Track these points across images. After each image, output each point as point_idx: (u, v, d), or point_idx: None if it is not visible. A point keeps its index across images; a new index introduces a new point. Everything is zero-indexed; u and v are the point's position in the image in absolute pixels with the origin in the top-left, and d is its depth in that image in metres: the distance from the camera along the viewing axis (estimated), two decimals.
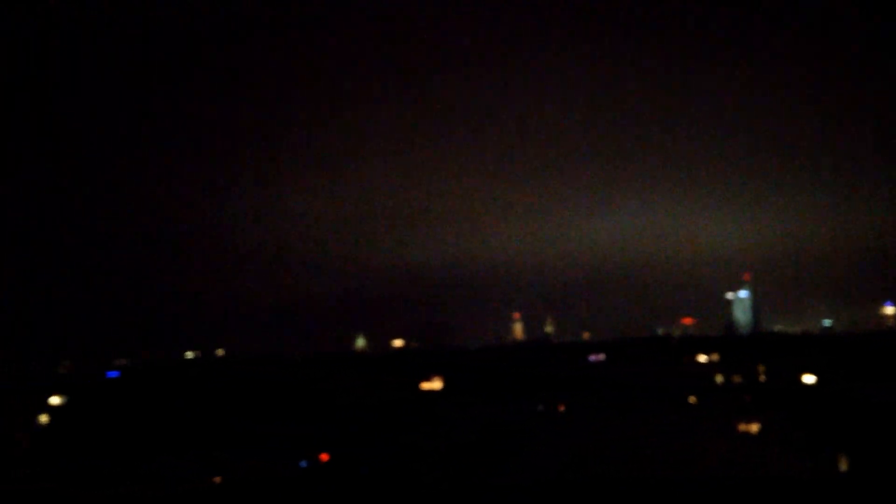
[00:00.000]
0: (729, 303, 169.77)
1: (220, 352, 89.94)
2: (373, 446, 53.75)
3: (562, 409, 64.77)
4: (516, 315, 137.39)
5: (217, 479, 48.32)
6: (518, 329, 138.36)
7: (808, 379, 74.47)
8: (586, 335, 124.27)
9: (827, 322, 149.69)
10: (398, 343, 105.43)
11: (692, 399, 67.86)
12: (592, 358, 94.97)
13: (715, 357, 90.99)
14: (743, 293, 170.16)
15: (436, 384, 76.19)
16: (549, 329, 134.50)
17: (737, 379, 79.20)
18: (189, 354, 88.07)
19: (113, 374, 72.62)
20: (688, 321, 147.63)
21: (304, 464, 51.22)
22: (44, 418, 59.25)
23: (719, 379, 79.81)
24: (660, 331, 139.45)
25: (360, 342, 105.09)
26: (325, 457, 52.32)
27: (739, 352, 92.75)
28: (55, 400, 61.09)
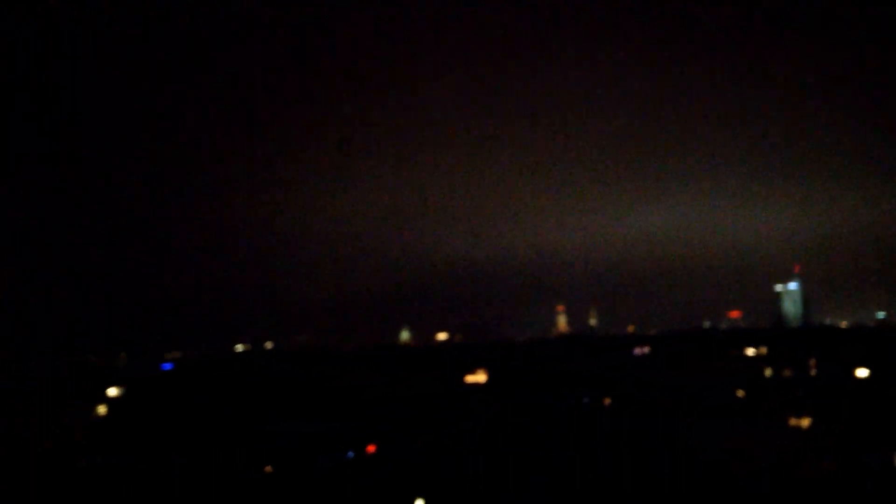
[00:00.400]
0: (778, 295, 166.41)
1: (268, 345, 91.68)
2: (418, 438, 54.22)
3: (607, 402, 64.38)
4: (560, 308, 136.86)
5: (268, 469, 49.42)
6: (562, 322, 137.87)
7: (862, 373, 72.63)
8: (631, 328, 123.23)
9: (881, 314, 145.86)
10: (442, 336, 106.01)
11: (740, 393, 66.86)
12: (637, 351, 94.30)
13: (763, 350, 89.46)
14: (792, 285, 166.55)
15: (480, 377, 76.46)
16: (592, 322, 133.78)
17: (787, 373, 77.76)
18: (239, 347, 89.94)
19: (167, 366, 74.61)
20: (735, 314, 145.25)
21: (350, 454, 52.00)
22: (102, 409, 61.34)
23: (768, 373, 78.43)
24: (706, 324, 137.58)
25: (405, 335, 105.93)
26: (371, 448, 53.00)
27: (789, 345, 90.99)
28: (112, 391, 63.15)
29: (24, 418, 55.70)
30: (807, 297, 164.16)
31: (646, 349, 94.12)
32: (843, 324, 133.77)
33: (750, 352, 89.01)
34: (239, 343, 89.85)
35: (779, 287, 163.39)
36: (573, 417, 56.84)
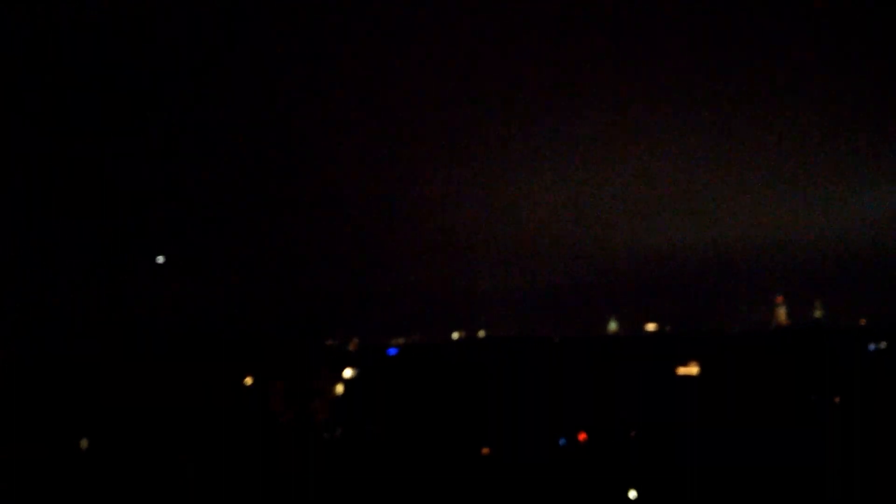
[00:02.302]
0: None
1: (481, 333, 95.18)
2: (630, 428, 54.51)
3: (837, 401, 60.30)
4: (779, 299, 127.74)
5: (485, 451, 52.42)
6: (781, 313, 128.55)
7: None
8: (862, 321, 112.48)
9: None
10: (651, 327, 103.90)
11: None
12: (873, 346, 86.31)
13: None
14: None
15: (692, 369, 74.66)
16: (818, 314, 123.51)
17: None
18: (455, 335, 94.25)
19: (392, 351, 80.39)
20: None
21: (562, 441, 53.55)
22: (339, 388, 68.01)
23: None
24: None
25: (613, 325, 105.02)
26: (583, 436, 54.19)
27: None
28: (347, 373, 69.59)
29: (280, 397, 63.31)
30: None
31: (882, 344, 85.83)
32: None
33: None
34: (455, 331, 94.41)
35: None
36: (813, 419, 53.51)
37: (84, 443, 51.82)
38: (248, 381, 64.53)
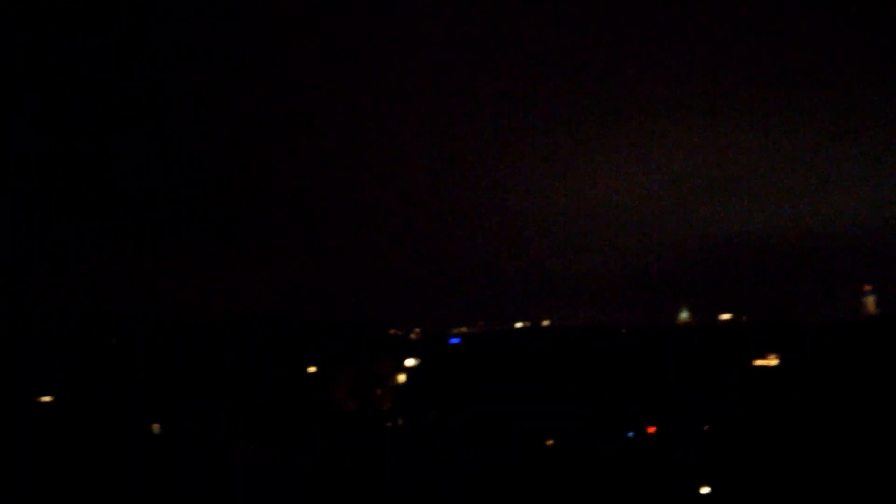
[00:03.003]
0: None
1: (545, 322, 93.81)
2: (702, 422, 52.35)
3: None
4: (867, 287, 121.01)
5: (549, 442, 51.18)
6: (870, 303, 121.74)
7: None
8: None
9: None
10: (726, 317, 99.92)
11: None
12: None
13: None
14: None
15: (771, 361, 71.23)
16: None
17: None
18: (518, 324, 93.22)
19: (454, 340, 79.94)
20: None
21: (630, 434, 51.79)
22: (401, 377, 67.92)
23: None
24: None
25: (684, 315, 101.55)
26: (651, 429, 52.30)
27: None
28: (410, 362, 69.47)
29: (343, 386, 63.73)
30: None
31: None
32: None
33: None
34: (518, 321, 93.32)
35: None
36: None
37: (156, 427, 53.25)
38: (312, 369, 65.23)
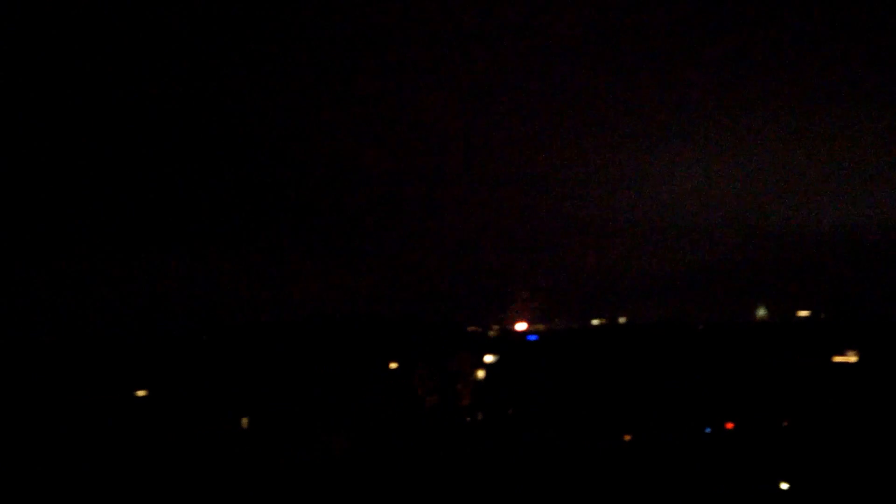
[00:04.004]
0: None
1: (622, 319, 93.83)
2: (781, 419, 52.45)
3: None
4: None
5: (627, 437, 52.16)
6: None
7: None
8: None
9: None
10: (804, 313, 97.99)
11: None
12: None
13: None
14: None
15: (850, 358, 70.19)
16: None
17: None
18: (595, 321, 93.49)
19: (532, 337, 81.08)
20: None
21: (708, 430, 52.29)
22: (480, 374, 69.63)
23: None
24: None
25: (761, 312, 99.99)
26: (730, 426, 52.67)
27: None
28: (489, 358, 71.08)
29: (424, 381, 65.81)
30: None
31: None
32: None
33: None
34: (595, 318, 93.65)
35: None
36: None
37: (245, 422, 56.27)
38: (394, 365, 67.41)
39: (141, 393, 58.53)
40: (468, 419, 62.33)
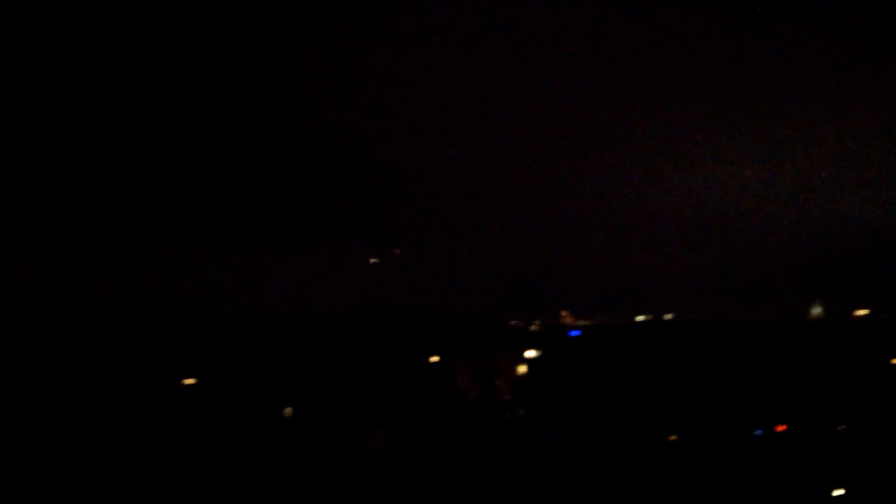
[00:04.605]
0: None
1: (668, 316, 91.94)
2: (836, 423, 50.62)
3: None
4: None
5: (672, 437, 50.97)
6: None
7: None
8: None
9: None
10: (862, 312, 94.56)
11: None
12: None
13: None
14: None
15: None
16: None
17: None
18: (640, 317, 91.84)
19: (575, 332, 79.98)
20: None
21: (759, 432, 50.83)
22: (522, 368, 69.00)
23: None
24: None
25: (816, 310, 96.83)
26: (781, 428, 51.15)
27: None
28: (530, 353, 70.39)
29: (464, 376, 65.55)
30: None
31: None
32: None
33: None
34: (640, 314, 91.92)
35: None
36: None
37: (289, 411, 56.79)
38: (435, 359, 67.20)
39: (189, 381, 59.68)
40: (509, 415, 61.70)
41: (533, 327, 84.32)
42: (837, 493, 38.64)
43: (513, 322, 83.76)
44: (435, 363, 67.01)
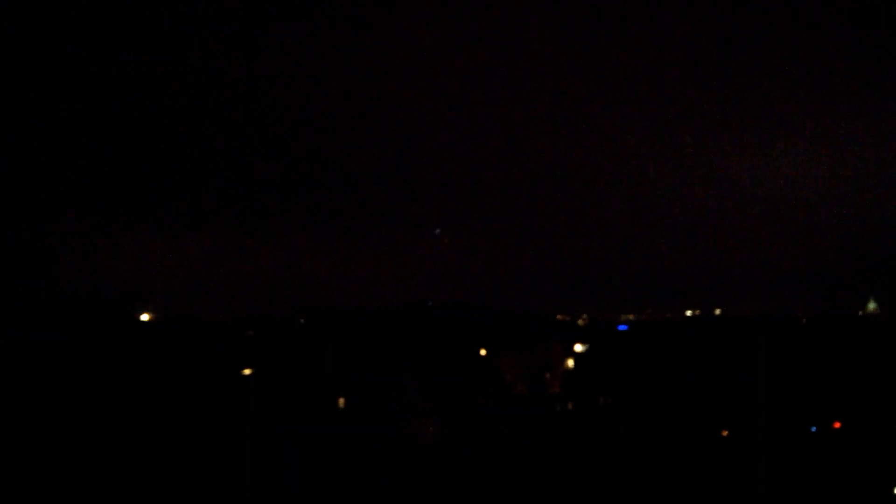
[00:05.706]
0: None
1: (717, 311, 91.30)
2: (889, 421, 49.73)
3: None
4: None
5: (724, 433, 50.77)
6: None
7: None
8: None
9: None
10: None
11: None
12: None
13: None
14: None
15: None
16: None
17: None
18: (688, 312, 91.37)
19: (622, 327, 79.97)
20: None
21: (813, 429, 50.36)
22: (570, 363, 69.21)
23: None
24: None
25: (871, 305, 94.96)
26: (836, 424, 50.60)
27: None
28: (578, 348, 70.57)
29: (512, 370, 65.98)
30: None
31: None
32: None
33: None
34: (688, 309, 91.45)
35: None
36: None
37: (342, 401, 57.79)
38: (484, 352, 67.71)
39: (247, 371, 61.13)
40: (558, 408, 61.97)
41: (581, 322, 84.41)
42: None
43: (560, 316, 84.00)
44: (483, 357, 67.53)
